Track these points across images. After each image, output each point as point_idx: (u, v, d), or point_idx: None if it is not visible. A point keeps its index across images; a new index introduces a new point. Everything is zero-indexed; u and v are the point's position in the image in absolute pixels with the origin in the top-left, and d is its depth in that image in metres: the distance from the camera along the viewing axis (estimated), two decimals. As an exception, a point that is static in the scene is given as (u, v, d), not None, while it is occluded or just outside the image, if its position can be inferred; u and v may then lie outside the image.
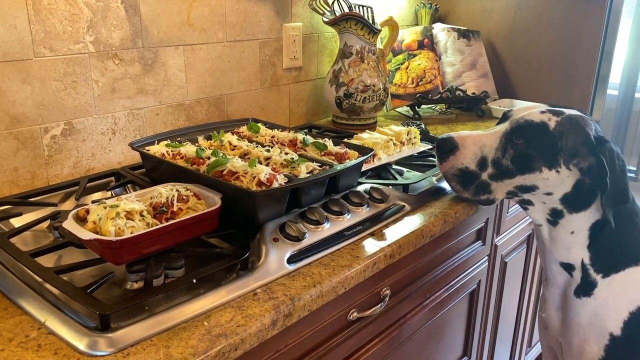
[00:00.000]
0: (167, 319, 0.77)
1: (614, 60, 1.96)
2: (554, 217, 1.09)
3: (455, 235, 1.28)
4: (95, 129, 1.31)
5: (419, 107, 1.93)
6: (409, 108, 1.97)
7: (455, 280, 1.34)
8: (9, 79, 1.14)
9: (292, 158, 1.07)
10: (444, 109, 2.07)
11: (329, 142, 1.19)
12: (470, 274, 1.39)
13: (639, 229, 1.08)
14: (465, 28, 2.06)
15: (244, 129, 1.32)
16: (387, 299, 1.08)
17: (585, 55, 1.92)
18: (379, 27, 1.73)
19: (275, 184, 0.96)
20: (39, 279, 0.84)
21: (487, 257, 1.46)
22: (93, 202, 1.08)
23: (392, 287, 1.11)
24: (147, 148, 1.16)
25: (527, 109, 1.09)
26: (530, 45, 2.03)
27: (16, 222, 1.04)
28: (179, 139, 1.23)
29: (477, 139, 1.10)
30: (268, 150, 1.13)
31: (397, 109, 1.99)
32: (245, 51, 1.60)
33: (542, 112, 1.06)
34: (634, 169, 2.36)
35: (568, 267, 1.11)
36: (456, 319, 1.41)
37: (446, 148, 1.12)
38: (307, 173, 1.05)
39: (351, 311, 1.01)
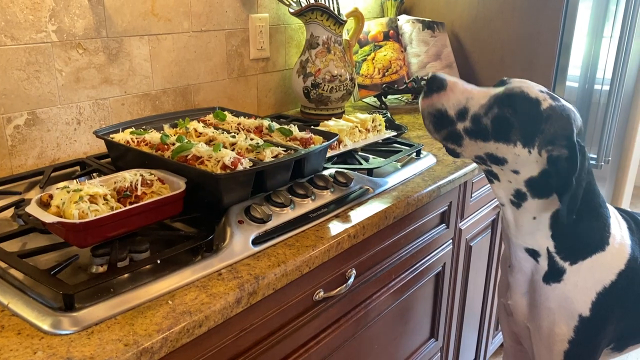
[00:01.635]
0: (132, 299, 0.78)
1: (574, 52, 2.02)
2: (518, 199, 1.08)
3: (418, 217, 1.31)
4: (59, 119, 1.30)
5: (385, 97, 1.97)
6: (375, 98, 2.00)
7: (420, 263, 1.37)
8: (-31, 67, 1.13)
9: (258, 143, 1.09)
10: (410, 99, 2.10)
11: (294, 128, 1.21)
12: (434, 256, 1.42)
13: (603, 218, 1.10)
14: (430, 19, 2.10)
15: (210, 117, 1.33)
16: (352, 279, 1.10)
17: (545, 45, 1.98)
18: (345, 19, 1.76)
19: (240, 167, 0.97)
20: (3, 264, 0.84)
21: (451, 240, 1.50)
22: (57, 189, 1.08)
23: (358, 268, 1.13)
24: (111, 136, 1.16)
25: (525, 81, 1.07)
26: (493, 35, 2.08)
27: (-22, 210, 1.04)
28: (144, 127, 1.23)
29: (467, 90, 1.06)
30: (234, 137, 1.14)
31: (364, 99, 2.01)
32: (211, 41, 1.60)
33: (541, 91, 1.04)
34: (595, 156, 2.43)
35: (533, 253, 1.12)
36: (422, 301, 1.44)
37: (434, 86, 1.06)
38: (272, 157, 1.06)
39: (317, 291, 1.03)
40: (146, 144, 1.11)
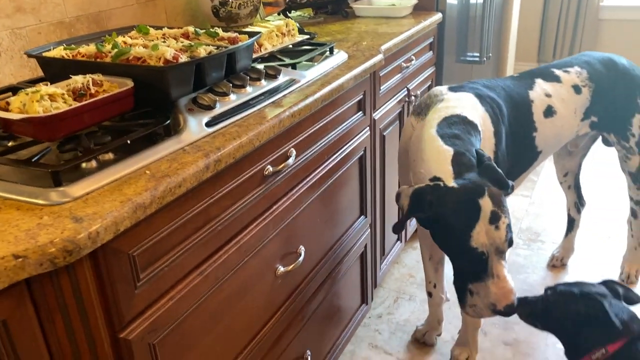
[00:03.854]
0: (113, 173, 0.88)
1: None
2: None
3: (341, 104, 1.48)
4: (-21, 50, 1.30)
5: (289, 12, 2.08)
6: (280, 14, 2.10)
7: (346, 145, 1.55)
8: None
9: (190, 44, 1.18)
10: (311, 14, 2.23)
11: (219, 30, 1.30)
12: (357, 140, 1.61)
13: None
14: None
15: (133, 34, 1.38)
16: (292, 157, 1.25)
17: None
18: None
19: (182, 60, 1.07)
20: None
21: (368, 128, 1.69)
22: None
23: (296, 148, 1.28)
24: (44, 54, 1.19)
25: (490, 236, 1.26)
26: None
27: None
28: (72, 45, 1.27)
29: (510, 283, 1.29)
30: (164, 42, 1.22)
31: (269, 17, 2.11)
32: (116, -34, 1.62)
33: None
34: (478, 54, 2.73)
35: None
36: (351, 182, 1.63)
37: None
38: (206, 54, 1.16)
39: (266, 167, 1.17)
40: (82, 56, 1.16)
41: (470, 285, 1.30)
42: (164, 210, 0.89)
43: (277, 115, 1.14)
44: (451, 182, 1.27)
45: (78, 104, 0.94)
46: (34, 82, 1.32)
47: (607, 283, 1.39)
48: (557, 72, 1.71)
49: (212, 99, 1.09)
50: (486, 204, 1.23)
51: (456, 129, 1.37)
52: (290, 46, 1.57)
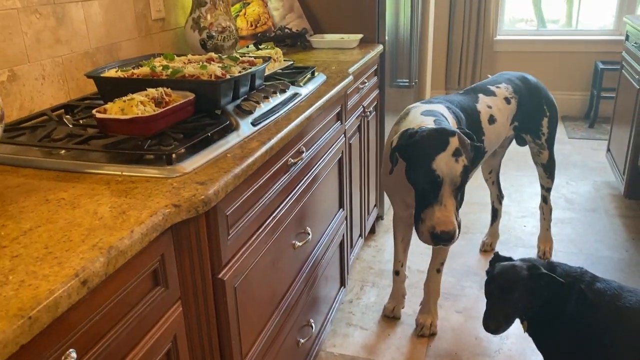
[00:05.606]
0: (206, 155, 1.17)
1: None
2: None
3: (330, 111, 1.84)
4: (30, 75, 1.53)
5: (260, 44, 2.43)
6: (252, 46, 2.44)
7: (331, 147, 1.90)
8: (-35, 31, 1.33)
9: (225, 65, 1.50)
10: (273, 46, 2.59)
11: (238, 54, 1.63)
12: (337, 144, 1.97)
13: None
14: (278, -19, 2.59)
15: (159, 59, 1.67)
16: (304, 153, 1.59)
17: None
18: (223, -20, 2.16)
19: (228, 76, 1.39)
20: (96, 153, 1.15)
21: (343, 135, 2.06)
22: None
23: (306, 145, 1.62)
24: (102, 75, 1.45)
25: (441, 163, 1.61)
26: (328, -10, 2.66)
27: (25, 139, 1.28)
28: (121, 67, 1.54)
29: (453, 213, 1.64)
30: (199, 64, 1.52)
31: (243, 48, 2.45)
32: (124, 5, 1.90)
33: (456, 161, 1.61)
34: (407, 80, 3.21)
35: None
36: (334, 179, 1.98)
37: (453, 236, 1.66)
38: (238, 72, 1.48)
39: (289, 159, 1.50)
40: (137, 76, 1.44)
41: (422, 214, 1.67)
42: (243, 182, 1.20)
43: (300, 117, 1.48)
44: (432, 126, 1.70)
45: (163, 109, 1.23)
46: (82, 99, 1.57)
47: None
48: (492, 88, 2.19)
49: (252, 106, 1.41)
50: (454, 141, 1.64)
51: (434, 114, 1.79)
52: (279, 70, 1.92)
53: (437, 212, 1.62)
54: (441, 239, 1.64)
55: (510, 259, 1.75)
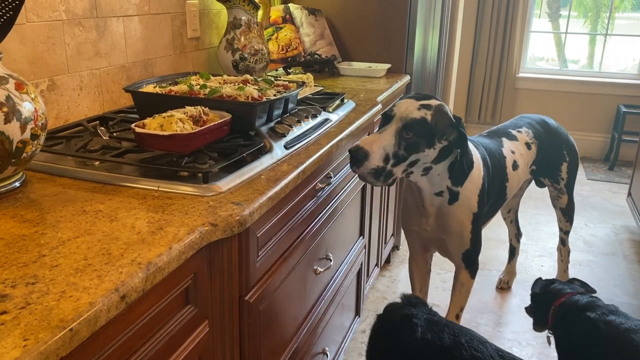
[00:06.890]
0: (240, 175, 1.18)
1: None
2: (425, 171, 1.64)
3: (359, 138, 1.84)
4: (68, 86, 1.55)
5: (290, 68, 2.46)
6: (282, 70, 2.47)
7: (354, 178, 1.91)
8: (11, 39, 1.36)
9: (261, 88, 1.51)
10: (302, 71, 2.62)
11: (272, 77, 1.64)
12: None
13: (470, 158, 1.75)
14: (311, 7, 2.63)
15: (196, 78, 1.69)
16: (331, 179, 1.59)
17: (398, 26, 2.65)
18: (259, 4, 2.20)
19: (265, 99, 1.40)
20: (130, 168, 1.16)
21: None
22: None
23: (333, 171, 1.63)
24: (140, 90, 1.47)
25: (402, 105, 1.54)
26: (359, 18, 2.70)
27: (62, 148, 1.29)
28: (154, 83, 1.56)
29: (380, 143, 1.48)
30: (237, 86, 1.54)
31: (272, 72, 2.48)
32: (162, 22, 1.93)
33: (418, 108, 1.53)
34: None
35: (440, 193, 1.72)
36: (356, 206, 1.98)
37: (360, 156, 1.46)
38: (274, 95, 1.50)
39: (317, 183, 1.50)
40: (175, 93, 1.46)
41: None
42: (278, 203, 1.20)
43: (330, 142, 1.49)
44: None
45: (202, 127, 1.24)
46: (117, 112, 1.59)
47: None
48: (514, 132, 2.17)
49: (286, 129, 1.42)
50: (433, 102, 1.58)
51: None
52: (310, 95, 1.94)
53: (369, 136, 1.55)
54: (350, 152, 1.51)
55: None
